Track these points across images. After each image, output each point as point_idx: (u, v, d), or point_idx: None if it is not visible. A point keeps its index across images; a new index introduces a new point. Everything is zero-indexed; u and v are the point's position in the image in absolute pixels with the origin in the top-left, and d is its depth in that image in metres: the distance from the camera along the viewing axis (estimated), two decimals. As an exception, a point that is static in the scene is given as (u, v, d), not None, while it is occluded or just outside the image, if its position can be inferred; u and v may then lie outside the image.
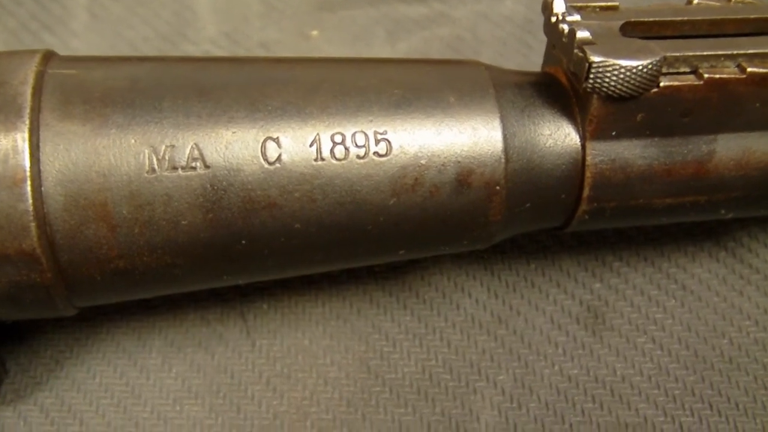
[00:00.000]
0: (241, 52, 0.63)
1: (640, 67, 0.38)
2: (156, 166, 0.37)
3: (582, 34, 0.39)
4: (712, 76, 0.40)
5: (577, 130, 0.42)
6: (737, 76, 0.40)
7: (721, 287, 0.51)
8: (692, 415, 0.47)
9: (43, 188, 0.37)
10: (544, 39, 0.44)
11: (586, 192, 0.42)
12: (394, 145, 0.40)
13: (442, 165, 0.40)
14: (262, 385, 0.48)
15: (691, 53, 0.40)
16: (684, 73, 0.40)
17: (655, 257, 0.53)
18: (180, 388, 0.47)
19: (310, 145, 0.39)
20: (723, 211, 0.46)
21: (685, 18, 0.43)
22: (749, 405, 0.47)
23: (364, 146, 0.39)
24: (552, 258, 0.53)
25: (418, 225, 0.41)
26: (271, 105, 0.39)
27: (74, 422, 0.46)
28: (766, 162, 0.43)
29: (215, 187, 0.38)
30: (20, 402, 0.46)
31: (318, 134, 0.39)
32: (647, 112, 0.40)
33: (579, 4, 0.42)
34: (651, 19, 0.43)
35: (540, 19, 0.44)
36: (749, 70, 0.40)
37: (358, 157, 0.39)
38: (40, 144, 0.37)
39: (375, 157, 0.40)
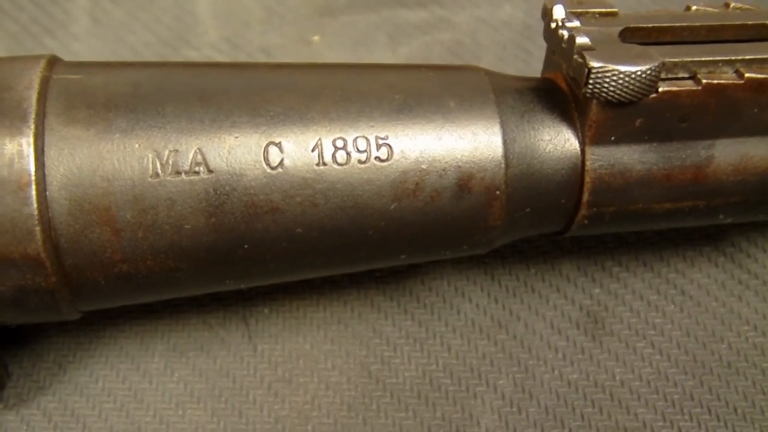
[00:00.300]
0: (242, 57, 0.63)
1: (639, 73, 0.38)
2: (159, 171, 0.38)
3: (581, 39, 0.40)
4: (710, 81, 0.40)
5: (577, 136, 0.42)
6: (735, 81, 0.40)
7: (720, 292, 0.52)
8: (691, 419, 0.47)
9: (47, 192, 0.37)
10: (544, 45, 0.45)
11: (585, 197, 0.42)
12: (395, 150, 0.40)
13: (443, 170, 0.40)
14: (264, 389, 0.48)
15: (689, 59, 0.40)
16: (682, 78, 0.40)
17: (655, 262, 0.53)
18: (182, 392, 0.47)
19: (312, 150, 0.39)
20: (722, 216, 0.46)
21: (684, 24, 0.43)
22: (748, 410, 0.47)
23: (365, 151, 0.40)
24: (552, 263, 0.53)
25: (418, 229, 0.41)
26: (273, 110, 0.39)
27: (77, 426, 0.46)
28: (764, 167, 0.43)
29: (218, 192, 0.38)
30: (23, 406, 0.47)
31: (320, 139, 0.39)
32: (646, 117, 0.40)
33: (578, 10, 0.43)
34: (650, 25, 0.43)
35: (539, 25, 0.44)
36: (747, 75, 0.40)
37: (360, 162, 0.40)
38: (45, 148, 0.37)
39: (376, 162, 0.40)
